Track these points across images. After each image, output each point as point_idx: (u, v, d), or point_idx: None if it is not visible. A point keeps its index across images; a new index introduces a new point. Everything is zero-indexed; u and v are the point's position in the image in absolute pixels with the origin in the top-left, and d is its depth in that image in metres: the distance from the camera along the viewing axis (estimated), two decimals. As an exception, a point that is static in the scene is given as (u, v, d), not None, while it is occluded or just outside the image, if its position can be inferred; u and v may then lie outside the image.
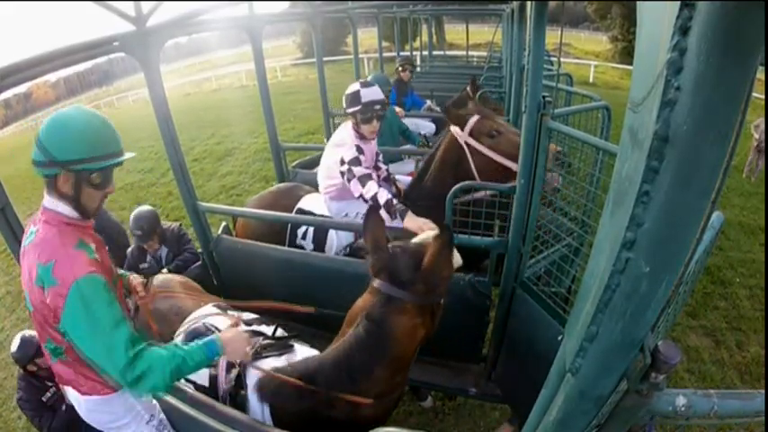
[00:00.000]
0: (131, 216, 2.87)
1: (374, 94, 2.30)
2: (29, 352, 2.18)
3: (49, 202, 1.25)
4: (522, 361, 2.01)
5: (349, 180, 2.25)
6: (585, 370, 0.57)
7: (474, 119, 2.27)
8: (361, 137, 2.37)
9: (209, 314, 1.80)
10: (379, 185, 2.20)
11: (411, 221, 2.05)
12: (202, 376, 1.60)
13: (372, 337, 1.33)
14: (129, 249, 3.04)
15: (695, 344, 3.30)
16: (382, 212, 2.14)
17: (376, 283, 1.37)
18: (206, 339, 1.31)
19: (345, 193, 2.36)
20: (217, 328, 1.67)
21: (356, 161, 2.23)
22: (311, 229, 2.52)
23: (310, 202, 2.61)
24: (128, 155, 1.33)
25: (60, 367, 1.34)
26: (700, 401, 0.60)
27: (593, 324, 0.53)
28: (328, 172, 2.42)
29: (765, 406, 0.60)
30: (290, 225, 2.58)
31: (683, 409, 0.60)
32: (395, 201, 2.12)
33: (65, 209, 1.25)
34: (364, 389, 1.35)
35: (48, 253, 1.19)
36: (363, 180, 2.21)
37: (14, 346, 2.21)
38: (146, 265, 2.93)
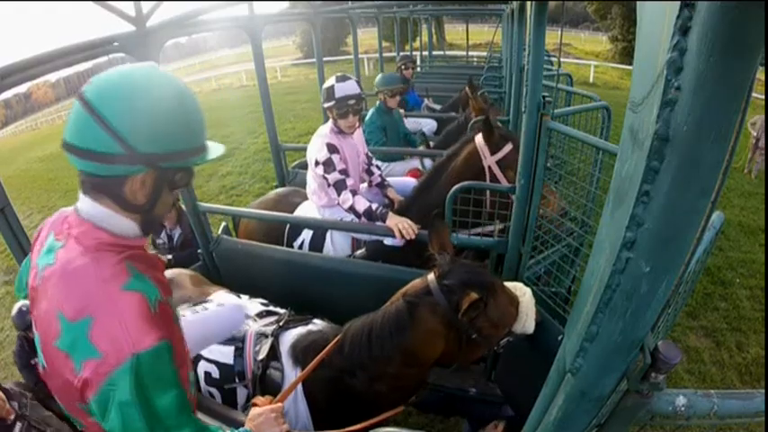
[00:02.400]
0: None
1: (349, 88, 2.27)
2: (24, 322, 2.42)
3: (94, 208, 0.82)
4: (522, 361, 2.01)
5: (327, 186, 2.24)
6: (586, 370, 0.57)
7: (508, 148, 2.18)
8: (340, 131, 2.35)
9: (230, 300, 1.80)
10: (353, 192, 2.17)
11: (392, 220, 2.07)
12: (227, 354, 1.60)
13: (398, 315, 1.38)
14: None
15: (695, 344, 3.30)
16: (363, 220, 2.16)
17: (429, 275, 1.41)
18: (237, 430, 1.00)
19: (334, 200, 2.33)
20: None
21: (329, 163, 2.20)
22: (306, 242, 2.51)
23: (305, 211, 2.58)
24: (216, 149, 0.93)
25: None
26: (700, 401, 0.60)
27: (593, 324, 0.53)
28: (311, 172, 2.40)
29: (765, 406, 0.60)
30: (286, 237, 2.56)
31: (682, 409, 0.60)
32: (374, 206, 2.11)
33: (118, 223, 0.83)
34: (376, 361, 1.39)
35: (78, 299, 0.75)
36: (338, 187, 2.19)
37: (14, 312, 2.46)
38: (159, 241, 3.01)
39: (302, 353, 1.51)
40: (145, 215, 0.85)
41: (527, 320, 1.39)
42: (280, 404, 1.21)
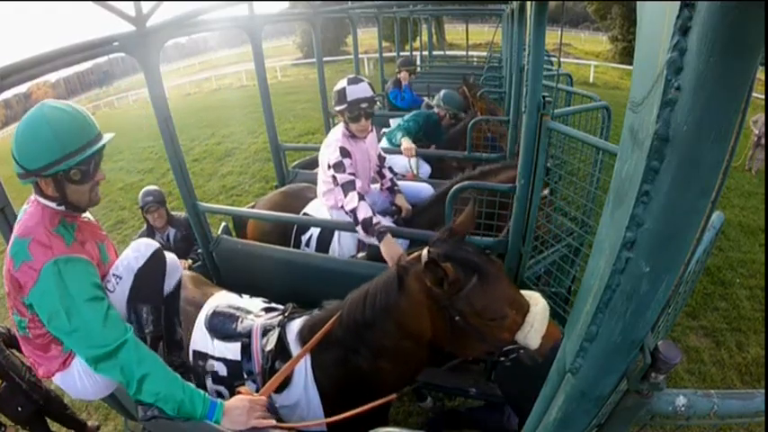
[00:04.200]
0: (140, 194, 3.03)
1: (361, 91, 2.20)
2: None
3: (39, 197, 1.28)
4: (521, 361, 2.01)
5: (335, 186, 2.18)
6: (586, 370, 0.57)
7: None
8: (352, 135, 2.29)
9: (230, 300, 1.82)
10: (360, 197, 2.09)
11: (387, 248, 1.96)
12: (233, 351, 1.61)
13: (389, 280, 1.43)
14: (137, 236, 3.12)
15: (695, 344, 3.30)
16: (358, 229, 2.08)
17: (426, 249, 1.42)
18: (213, 399, 1.28)
19: (339, 199, 2.26)
20: (238, 308, 1.72)
21: (339, 166, 2.15)
22: (314, 238, 2.48)
23: (316, 208, 2.55)
24: (106, 137, 1.29)
25: (23, 342, 1.37)
26: (700, 401, 0.60)
27: (593, 324, 0.53)
28: (323, 176, 2.37)
29: (765, 406, 0.60)
30: (294, 232, 2.56)
31: (683, 409, 0.60)
32: (374, 219, 2.03)
33: (51, 204, 1.28)
34: (370, 328, 1.43)
35: (26, 229, 1.21)
36: (346, 188, 2.11)
37: None
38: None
39: (309, 332, 1.53)
40: (62, 202, 1.27)
41: (531, 332, 1.30)
42: (261, 398, 1.33)
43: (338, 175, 2.14)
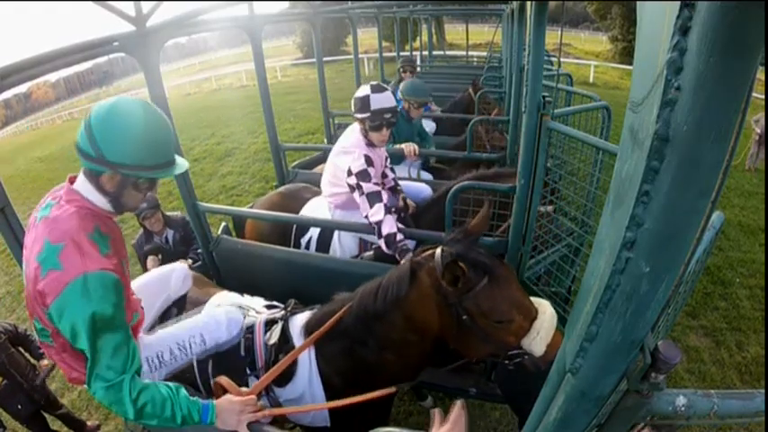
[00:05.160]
0: None
1: (385, 100, 2.14)
2: None
3: (84, 188, 1.20)
4: (524, 366, 2.00)
5: (359, 195, 2.12)
6: (586, 370, 0.57)
7: None
8: (370, 143, 2.24)
9: (231, 299, 1.82)
10: (386, 210, 2.06)
11: None
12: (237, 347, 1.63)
13: (402, 272, 1.44)
14: (134, 241, 3.12)
15: (695, 344, 3.31)
16: (381, 242, 2.06)
17: (440, 247, 1.43)
18: (206, 402, 1.27)
19: (351, 203, 2.24)
20: (240, 306, 1.73)
21: (365, 174, 2.09)
22: (314, 240, 2.47)
23: (314, 208, 2.54)
24: (182, 164, 1.28)
25: (47, 349, 1.30)
26: (700, 401, 0.60)
27: (593, 324, 0.53)
28: (334, 179, 2.31)
29: (765, 406, 0.60)
30: (294, 234, 2.55)
31: (683, 409, 0.60)
32: (398, 236, 2.01)
33: (99, 200, 1.20)
34: (379, 320, 1.45)
35: (60, 233, 1.11)
36: (372, 199, 2.07)
37: None
38: (161, 242, 3.01)
39: (317, 324, 1.53)
40: (114, 200, 1.23)
41: (536, 339, 1.31)
42: (251, 397, 1.34)
43: (364, 184, 2.09)
